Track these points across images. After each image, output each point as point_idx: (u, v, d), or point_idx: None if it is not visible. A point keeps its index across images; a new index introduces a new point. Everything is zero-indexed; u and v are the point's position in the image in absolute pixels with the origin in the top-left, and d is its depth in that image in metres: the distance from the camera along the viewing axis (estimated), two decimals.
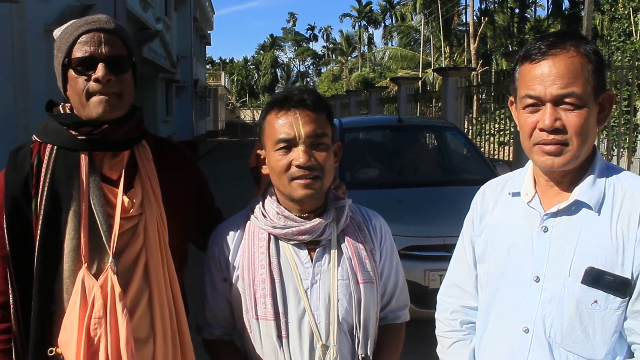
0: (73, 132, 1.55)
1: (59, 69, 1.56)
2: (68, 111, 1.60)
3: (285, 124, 1.57)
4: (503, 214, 1.60)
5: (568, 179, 1.45)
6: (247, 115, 63.11)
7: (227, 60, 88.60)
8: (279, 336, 1.58)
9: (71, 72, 1.53)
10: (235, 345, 1.76)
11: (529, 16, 38.80)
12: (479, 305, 1.66)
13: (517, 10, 37.87)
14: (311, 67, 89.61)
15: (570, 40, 1.39)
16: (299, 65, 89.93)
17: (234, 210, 1.93)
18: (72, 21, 1.58)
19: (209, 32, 39.86)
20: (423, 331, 2.95)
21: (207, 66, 53.22)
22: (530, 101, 1.40)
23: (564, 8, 35.65)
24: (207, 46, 40.54)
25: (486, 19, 35.13)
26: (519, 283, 1.48)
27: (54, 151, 1.56)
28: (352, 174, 5.76)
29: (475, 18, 34.43)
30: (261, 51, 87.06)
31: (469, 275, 1.70)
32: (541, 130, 1.38)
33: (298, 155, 1.55)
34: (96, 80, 1.50)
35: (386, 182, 5.76)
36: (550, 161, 1.39)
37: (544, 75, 1.37)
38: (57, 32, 1.59)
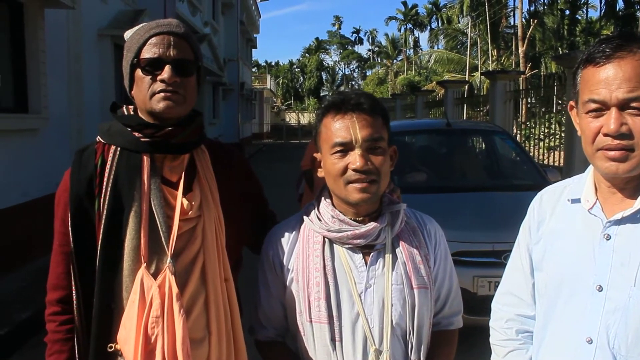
0: (136, 134, 1.59)
1: (127, 68, 1.61)
2: (132, 113, 1.65)
3: (341, 128, 1.58)
4: (562, 221, 1.56)
5: (632, 186, 1.41)
6: (292, 118, 63.48)
7: (273, 64, 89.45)
8: (332, 339, 1.58)
9: (139, 72, 1.58)
10: (288, 347, 1.77)
11: (580, 18, 37.85)
12: (536, 314, 1.62)
13: (567, 12, 36.96)
14: (356, 70, 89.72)
15: (636, 42, 1.35)
16: (344, 68, 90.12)
17: (279, 212, 1.95)
18: (143, 24, 1.63)
19: (255, 35, 40.34)
20: (472, 338, 2.91)
21: (253, 69, 53.82)
22: (594, 106, 1.36)
23: (617, 9, 34.61)
24: (253, 49, 41.02)
25: (535, 21, 34.42)
26: (580, 292, 1.44)
27: (117, 152, 1.60)
28: (400, 178, 5.73)
29: (523, 20, 33.78)
30: (306, 54, 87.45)
31: (526, 283, 1.66)
32: (605, 135, 1.34)
33: (355, 159, 1.55)
34: (162, 81, 1.54)
35: (434, 187, 5.70)
36: (614, 167, 1.35)
37: (609, 78, 1.33)
38: (128, 34, 1.64)
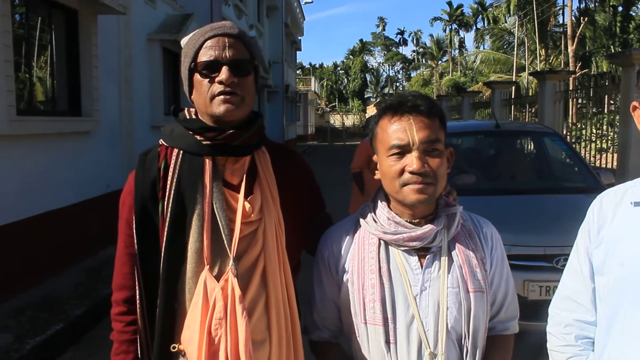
0: (198, 137, 1.61)
1: (186, 73, 1.63)
2: (194, 116, 1.67)
3: (398, 130, 1.57)
4: (624, 224, 1.51)
5: None
6: (337, 120, 63.50)
7: (317, 66, 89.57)
8: (387, 341, 1.58)
9: (197, 76, 1.60)
10: (342, 348, 1.77)
11: (634, 14, 36.66)
12: (598, 320, 1.58)
13: (620, 8, 35.85)
14: (401, 72, 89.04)
15: None
16: (389, 70, 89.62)
17: None
18: (198, 29, 1.65)
19: (299, 37, 40.52)
20: (522, 343, 2.85)
21: (298, 71, 54.04)
22: None
23: None
24: (297, 52, 41.20)
25: (586, 19, 33.56)
26: None
27: (180, 155, 1.63)
28: (448, 180, 5.66)
29: (573, 19, 32.96)
30: (350, 56, 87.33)
31: (585, 288, 1.62)
32: None
33: (411, 161, 1.55)
34: (220, 83, 1.56)
35: (483, 189, 5.62)
36: None
37: None
38: (184, 40, 1.66)
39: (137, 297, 1.63)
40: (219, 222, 1.57)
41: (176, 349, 1.58)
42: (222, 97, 1.56)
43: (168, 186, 1.60)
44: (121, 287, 1.69)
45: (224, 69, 1.56)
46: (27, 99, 6.64)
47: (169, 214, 1.58)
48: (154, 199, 1.61)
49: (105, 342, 1.73)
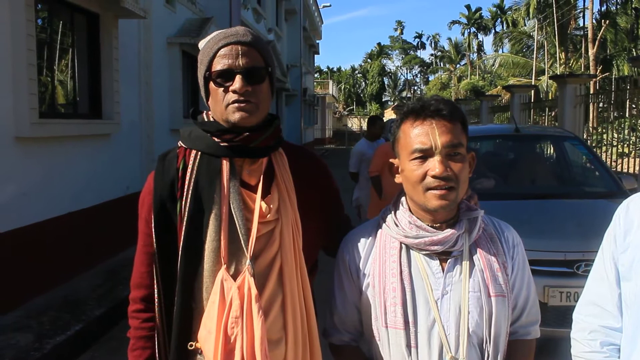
0: (216, 139, 1.62)
1: (202, 81, 1.65)
2: (211, 119, 1.68)
3: (421, 134, 1.57)
4: None
5: None
6: (354, 123, 63.55)
7: (335, 69, 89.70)
8: (408, 345, 1.57)
9: (212, 84, 1.61)
10: (361, 351, 1.77)
11: None
12: (624, 326, 1.55)
13: None
14: (418, 76, 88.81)
15: None
16: (407, 73, 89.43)
17: None
18: (213, 34, 1.66)
19: (317, 41, 40.60)
20: (542, 350, 2.82)
21: (316, 75, 54.14)
22: None
23: None
24: (315, 55, 41.26)
25: (607, 22, 33.16)
26: None
27: (198, 157, 1.64)
28: (468, 185, 5.63)
29: (594, 21, 32.58)
30: (368, 60, 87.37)
31: (611, 294, 1.60)
32: None
33: (434, 165, 1.54)
34: (234, 92, 1.57)
35: (503, 194, 5.57)
36: None
37: None
38: (201, 43, 1.67)
39: (156, 295, 1.65)
40: (236, 221, 1.58)
41: (193, 347, 1.59)
42: (236, 105, 1.57)
43: (186, 186, 1.62)
44: (139, 286, 1.71)
45: (238, 78, 1.57)
46: (49, 102, 6.72)
47: (186, 213, 1.59)
48: (173, 199, 1.62)
49: (124, 342, 1.75)
